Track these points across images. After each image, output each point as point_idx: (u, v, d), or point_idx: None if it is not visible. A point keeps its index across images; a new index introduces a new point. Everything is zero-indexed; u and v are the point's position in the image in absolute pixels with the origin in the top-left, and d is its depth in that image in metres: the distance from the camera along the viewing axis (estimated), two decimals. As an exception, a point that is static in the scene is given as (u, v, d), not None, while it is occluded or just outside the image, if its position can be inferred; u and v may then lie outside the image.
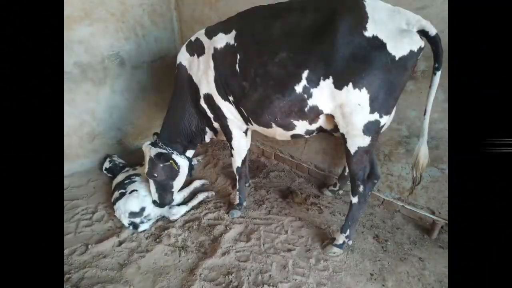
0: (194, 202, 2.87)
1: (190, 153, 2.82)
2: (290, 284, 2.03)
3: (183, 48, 2.44)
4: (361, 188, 2.04)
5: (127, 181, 2.86)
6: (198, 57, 2.31)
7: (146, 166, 2.58)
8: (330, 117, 1.92)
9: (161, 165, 2.51)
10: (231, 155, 2.64)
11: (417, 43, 1.58)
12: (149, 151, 2.56)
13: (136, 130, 4.00)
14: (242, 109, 2.20)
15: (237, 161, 2.64)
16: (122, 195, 2.69)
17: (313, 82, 1.78)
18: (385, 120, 1.79)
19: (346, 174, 2.71)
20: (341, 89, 1.72)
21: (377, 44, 1.57)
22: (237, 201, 2.77)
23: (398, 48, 1.57)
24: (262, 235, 2.45)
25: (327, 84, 1.76)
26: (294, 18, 1.79)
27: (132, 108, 3.85)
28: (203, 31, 2.30)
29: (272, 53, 1.85)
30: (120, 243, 2.43)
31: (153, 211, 2.65)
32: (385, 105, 1.73)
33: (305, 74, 1.78)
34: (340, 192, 2.94)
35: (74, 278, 2.11)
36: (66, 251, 2.35)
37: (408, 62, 1.60)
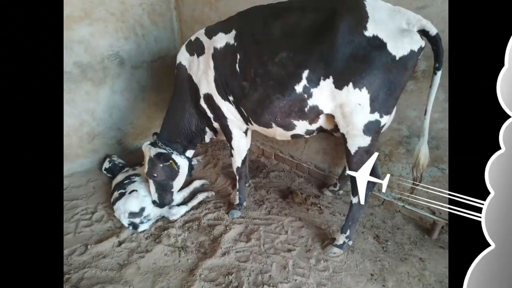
0: (194, 202, 2.87)
1: (190, 153, 2.82)
2: (290, 284, 2.03)
3: (183, 48, 2.43)
4: (361, 188, 2.04)
5: (126, 181, 2.85)
6: (198, 57, 2.30)
7: (146, 166, 2.57)
8: (330, 117, 1.92)
9: (161, 165, 2.51)
10: (231, 155, 2.64)
11: (418, 42, 1.58)
12: (149, 151, 2.56)
13: (136, 130, 3.99)
14: (242, 109, 2.19)
15: (237, 161, 2.64)
16: (121, 195, 2.68)
17: (313, 82, 1.78)
18: (386, 120, 1.79)
19: (346, 174, 2.70)
20: (341, 89, 1.72)
21: (378, 44, 1.57)
22: (237, 201, 2.76)
23: (399, 48, 1.56)
24: (262, 235, 2.45)
25: (327, 84, 1.76)
26: (294, 18, 1.79)
27: (132, 108, 3.85)
28: (203, 30, 2.30)
29: (272, 53, 1.85)
30: (120, 244, 2.43)
31: (152, 211, 2.65)
32: (386, 105, 1.73)
33: (305, 74, 1.77)
34: (340, 192, 2.94)
35: (74, 278, 2.11)
36: (65, 251, 2.34)
37: (408, 61, 1.60)
